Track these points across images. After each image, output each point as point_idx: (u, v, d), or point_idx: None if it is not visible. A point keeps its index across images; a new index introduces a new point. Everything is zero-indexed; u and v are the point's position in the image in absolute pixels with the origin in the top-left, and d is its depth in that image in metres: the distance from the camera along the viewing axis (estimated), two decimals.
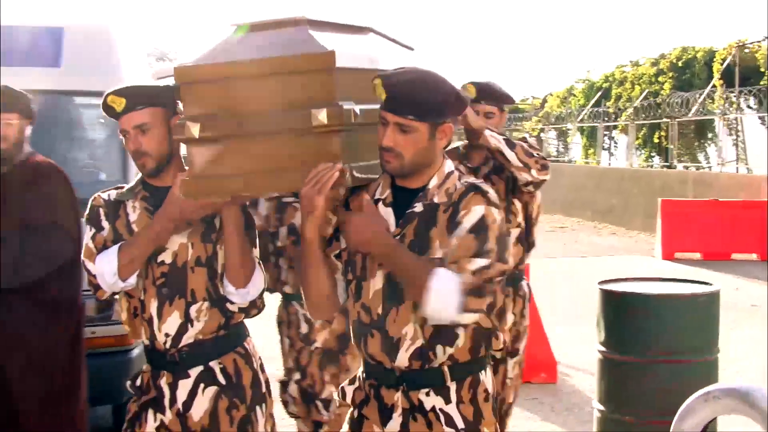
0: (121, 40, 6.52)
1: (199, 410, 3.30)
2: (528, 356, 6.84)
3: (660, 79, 22.06)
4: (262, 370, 3.44)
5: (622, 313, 5.12)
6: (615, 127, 22.27)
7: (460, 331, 2.86)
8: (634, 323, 5.08)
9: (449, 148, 4.15)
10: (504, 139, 4.35)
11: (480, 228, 2.80)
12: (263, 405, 3.43)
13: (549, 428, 6.02)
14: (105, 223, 3.34)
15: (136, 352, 5.37)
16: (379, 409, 2.92)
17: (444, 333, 2.85)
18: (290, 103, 2.91)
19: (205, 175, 3.07)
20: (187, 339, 3.29)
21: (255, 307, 3.37)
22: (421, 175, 2.90)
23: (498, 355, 4.46)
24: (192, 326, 3.30)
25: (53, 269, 4.04)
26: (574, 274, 6.40)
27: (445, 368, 2.89)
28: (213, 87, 3.05)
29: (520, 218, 4.63)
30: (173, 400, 3.30)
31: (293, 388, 4.43)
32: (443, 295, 2.76)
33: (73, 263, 4.01)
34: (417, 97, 2.78)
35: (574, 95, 23.92)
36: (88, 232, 3.35)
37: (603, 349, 5.16)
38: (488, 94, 4.57)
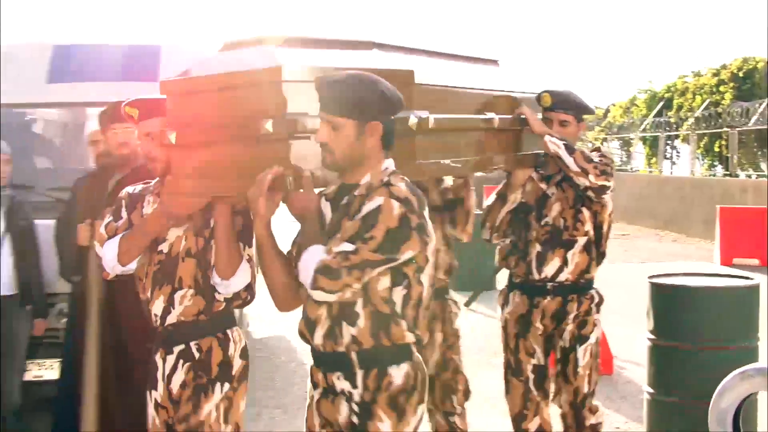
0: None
1: (177, 383, 3.67)
2: None
3: (721, 89, 22.22)
4: (242, 357, 3.71)
5: (670, 304, 5.60)
6: (677, 136, 22.46)
7: (360, 311, 2.98)
8: (681, 313, 5.57)
9: (529, 154, 4.52)
10: (564, 144, 4.43)
11: (370, 216, 2.91)
12: (224, 384, 3.67)
13: (605, 411, 6.50)
14: (124, 214, 3.81)
15: None
16: (313, 386, 3.17)
17: (347, 312, 2.99)
18: (245, 115, 3.15)
19: (183, 177, 3.44)
20: (170, 320, 3.68)
21: (239, 298, 3.65)
22: (356, 171, 3.05)
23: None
24: (173, 309, 3.66)
25: None
26: (632, 278, 6.75)
27: (353, 354, 3.02)
28: (187, 99, 3.41)
29: (588, 227, 4.59)
30: (163, 373, 3.71)
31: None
32: (304, 270, 2.95)
33: None
34: (342, 97, 2.96)
35: (637, 105, 24.14)
36: (104, 221, 3.84)
37: (652, 337, 5.66)
38: (562, 102, 4.58)
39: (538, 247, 4.61)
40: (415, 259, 2.97)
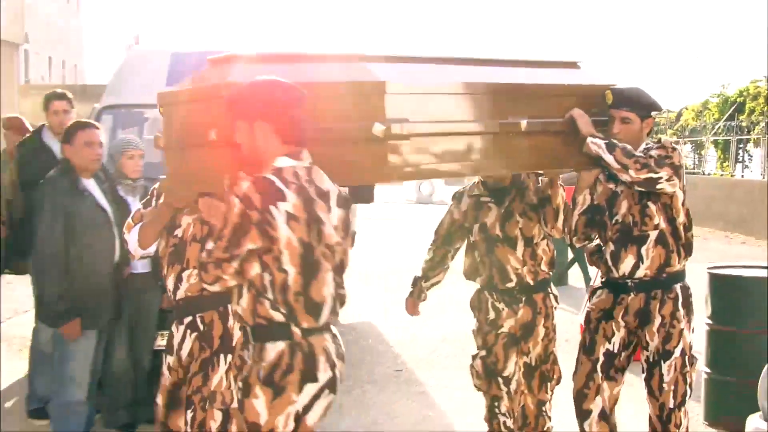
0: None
1: (185, 350, 4.32)
2: None
3: None
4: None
5: (725, 292, 6.22)
6: (749, 140, 22.65)
7: (245, 292, 3.35)
8: (735, 301, 6.19)
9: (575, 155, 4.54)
10: (606, 143, 4.36)
11: (230, 216, 3.25)
12: (227, 355, 4.24)
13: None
14: (154, 202, 4.52)
15: None
16: None
17: (238, 292, 3.38)
18: (209, 124, 3.54)
19: (172, 175, 4.00)
20: (180, 294, 4.34)
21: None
22: (263, 169, 3.34)
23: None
24: (181, 285, 4.33)
25: None
26: (701, 277, 7.22)
27: (247, 329, 3.41)
28: (170, 109, 3.92)
29: (657, 220, 4.51)
30: (176, 341, 4.35)
31: (477, 363, 5.15)
32: None
33: None
34: (234, 100, 3.33)
35: (709, 109, 24.34)
36: (134, 211, 4.62)
37: (710, 322, 6.28)
38: (624, 99, 4.52)
39: (612, 246, 4.61)
40: (264, 249, 3.23)
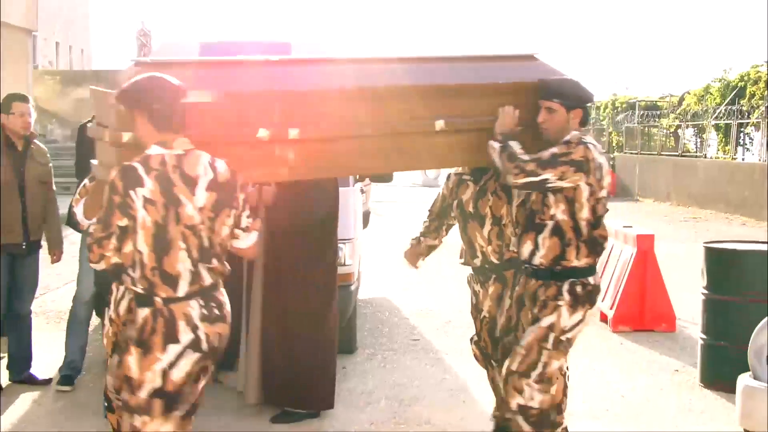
0: (331, 53, 8.30)
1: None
2: (651, 310, 8.48)
3: None
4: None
5: (721, 263, 6.73)
6: (749, 124, 23.03)
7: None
8: (730, 271, 6.70)
9: None
10: (501, 145, 4.47)
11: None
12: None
13: (665, 358, 7.63)
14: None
15: (353, 287, 7.25)
16: None
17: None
18: (107, 120, 4.14)
19: (98, 158, 4.36)
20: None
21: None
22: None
23: None
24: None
25: (326, 214, 5.90)
26: (700, 255, 7.67)
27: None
28: (96, 104, 4.45)
29: (554, 211, 4.49)
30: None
31: (473, 347, 5.48)
32: None
33: (332, 213, 5.91)
34: (119, 93, 3.80)
35: (711, 94, 24.68)
36: (80, 187, 4.76)
37: (706, 292, 6.80)
38: (548, 90, 4.56)
39: (519, 230, 4.72)
40: (130, 228, 3.69)
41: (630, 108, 30.58)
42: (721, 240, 7.14)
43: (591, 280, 4.57)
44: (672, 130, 27.47)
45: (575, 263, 4.52)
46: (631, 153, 28.91)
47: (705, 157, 24.64)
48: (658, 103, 29.43)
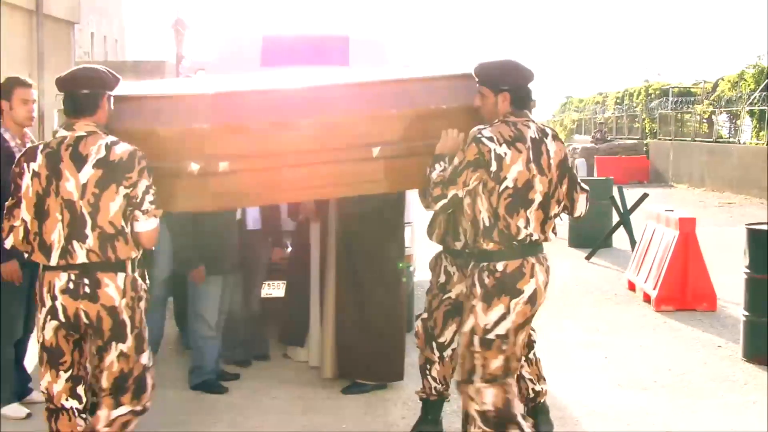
0: (387, 47, 8.67)
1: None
2: (693, 289, 8.83)
3: None
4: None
5: (761, 244, 7.10)
6: None
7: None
8: None
9: None
10: (432, 172, 4.49)
11: None
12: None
13: (707, 335, 7.99)
14: None
15: (412, 268, 7.57)
16: None
17: None
18: None
19: None
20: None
21: None
22: None
23: None
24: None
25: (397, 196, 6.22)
26: (736, 238, 7.93)
27: None
28: None
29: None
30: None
31: (418, 323, 5.40)
32: None
33: (401, 195, 6.32)
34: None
35: (745, 80, 24.82)
36: None
37: (748, 271, 7.17)
38: (477, 76, 4.52)
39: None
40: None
41: (663, 94, 30.72)
42: (762, 222, 7.47)
43: (500, 266, 4.38)
44: (706, 116, 27.60)
45: (484, 246, 4.40)
46: (665, 139, 29.10)
47: (739, 142, 24.80)
48: (692, 90, 29.55)
